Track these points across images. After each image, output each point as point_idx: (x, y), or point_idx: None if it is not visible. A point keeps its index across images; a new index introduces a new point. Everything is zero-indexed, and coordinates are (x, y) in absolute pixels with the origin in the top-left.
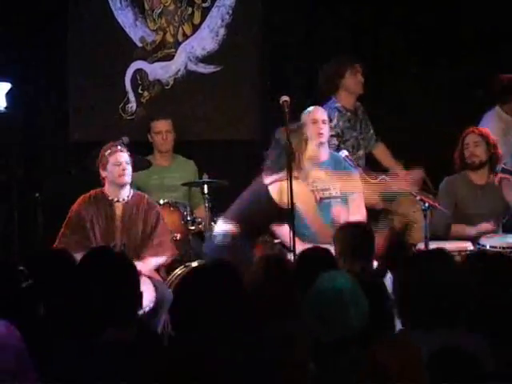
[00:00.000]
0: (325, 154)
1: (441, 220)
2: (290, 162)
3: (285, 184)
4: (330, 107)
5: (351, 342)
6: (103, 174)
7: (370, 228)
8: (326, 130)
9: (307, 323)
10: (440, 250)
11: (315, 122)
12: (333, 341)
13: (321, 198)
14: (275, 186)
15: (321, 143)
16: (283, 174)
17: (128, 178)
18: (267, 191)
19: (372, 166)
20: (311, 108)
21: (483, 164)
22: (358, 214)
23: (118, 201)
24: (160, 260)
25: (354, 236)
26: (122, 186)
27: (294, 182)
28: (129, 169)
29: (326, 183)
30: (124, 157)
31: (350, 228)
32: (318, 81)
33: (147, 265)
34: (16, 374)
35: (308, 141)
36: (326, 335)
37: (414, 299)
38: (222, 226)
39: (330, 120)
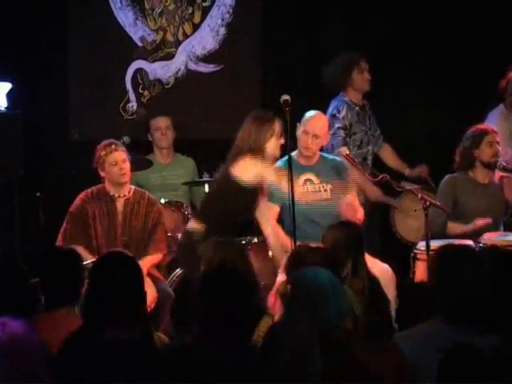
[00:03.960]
0: (313, 160)
1: (437, 218)
2: (289, 157)
3: (247, 160)
4: (339, 100)
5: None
6: (102, 173)
7: (359, 226)
8: (315, 145)
9: (288, 318)
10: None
11: (306, 133)
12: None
13: (311, 201)
14: (238, 165)
15: (305, 156)
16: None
17: (127, 176)
18: (231, 175)
19: (377, 167)
20: (311, 115)
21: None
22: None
23: (119, 196)
24: (157, 257)
25: (346, 235)
26: (121, 184)
27: (253, 159)
28: (126, 167)
29: (316, 185)
30: (120, 155)
31: (341, 227)
32: (325, 77)
33: (145, 264)
34: (34, 377)
35: (273, 137)
36: (307, 328)
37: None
38: (191, 224)
39: (339, 111)
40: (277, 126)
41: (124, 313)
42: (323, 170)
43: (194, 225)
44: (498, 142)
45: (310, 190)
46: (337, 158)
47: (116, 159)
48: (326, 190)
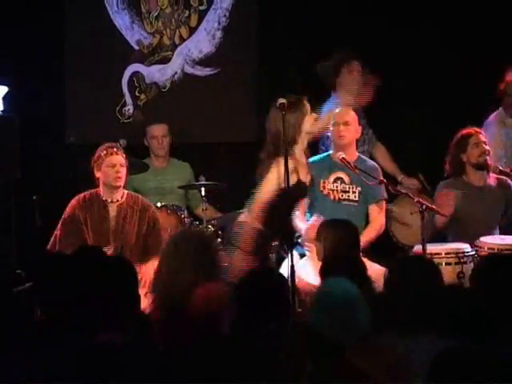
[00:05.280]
0: (353, 155)
1: (431, 220)
2: (286, 158)
3: (280, 166)
4: (331, 102)
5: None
6: (97, 174)
7: (355, 227)
8: (348, 132)
9: (315, 325)
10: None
11: (336, 124)
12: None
13: (339, 199)
14: (272, 172)
15: (342, 145)
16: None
17: (121, 180)
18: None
19: None
20: (337, 110)
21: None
22: (374, 228)
23: (112, 201)
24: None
25: (346, 233)
26: (114, 187)
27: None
28: (123, 171)
29: (346, 185)
30: (119, 159)
31: (339, 226)
32: (319, 74)
33: (147, 271)
34: None
35: (306, 116)
36: (335, 336)
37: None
38: (243, 216)
39: None
40: (306, 105)
41: (115, 315)
42: (359, 168)
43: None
44: (484, 142)
45: (339, 188)
46: (372, 162)
47: (114, 162)
48: (354, 192)
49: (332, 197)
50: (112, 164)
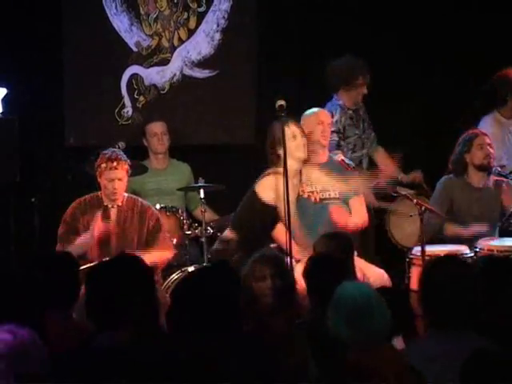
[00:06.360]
0: (324, 156)
1: (432, 219)
2: (285, 162)
3: (268, 179)
4: (332, 104)
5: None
6: (99, 179)
7: (350, 237)
8: (329, 134)
9: (333, 329)
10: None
11: (321, 123)
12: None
13: (320, 199)
14: (260, 183)
15: (322, 145)
16: (269, 170)
17: (118, 194)
18: (254, 191)
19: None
20: (316, 109)
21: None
22: (358, 218)
23: (112, 207)
24: (167, 254)
25: (336, 246)
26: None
27: (275, 178)
28: (120, 186)
29: (325, 184)
30: (117, 174)
31: (331, 238)
32: (327, 74)
33: (152, 256)
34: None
35: (296, 137)
36: (354, 340)
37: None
38: (225, 232)
39: (332, 116)
40: (287, 129)
41: (132, 315)
42: (332, 168)
43: (228, 234)
44: (489, 144)
45: (318, 189)
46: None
47: (113, 177)
48: (334, 190)
49: (313, 199)
50: (110, 179)
